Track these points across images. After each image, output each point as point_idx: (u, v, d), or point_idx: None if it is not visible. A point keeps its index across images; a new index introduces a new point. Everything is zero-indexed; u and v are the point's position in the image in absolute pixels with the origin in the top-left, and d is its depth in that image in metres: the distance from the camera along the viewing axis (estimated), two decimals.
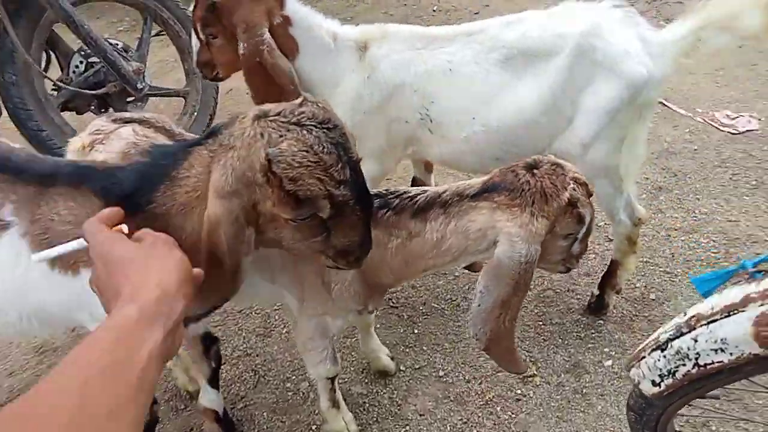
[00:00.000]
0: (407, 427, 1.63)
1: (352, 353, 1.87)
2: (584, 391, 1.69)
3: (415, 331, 1.92)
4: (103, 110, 2.65)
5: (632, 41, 1.48)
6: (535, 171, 1.09)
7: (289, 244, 1.00)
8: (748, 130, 2.70)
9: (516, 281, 1.06)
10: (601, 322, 1.89)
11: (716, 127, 2.75)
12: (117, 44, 2.64)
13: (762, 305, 0.72)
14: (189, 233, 0.96)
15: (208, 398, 1.59)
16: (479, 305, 1.11)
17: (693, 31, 1.49)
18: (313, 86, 1.61)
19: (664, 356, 0.84)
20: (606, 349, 1.80)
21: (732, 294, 0.77)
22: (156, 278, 0.67)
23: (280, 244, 1.01)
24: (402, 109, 1.61)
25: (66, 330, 1.56)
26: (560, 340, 1.84)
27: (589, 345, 1.82)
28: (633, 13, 1.53)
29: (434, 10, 4.44)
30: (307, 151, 0.87)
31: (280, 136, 0.88)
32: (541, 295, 2.00)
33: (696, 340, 0.79)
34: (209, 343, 1.52)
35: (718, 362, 0.78)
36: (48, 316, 1.17)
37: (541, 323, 1.91)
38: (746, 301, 0.74)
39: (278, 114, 0.91)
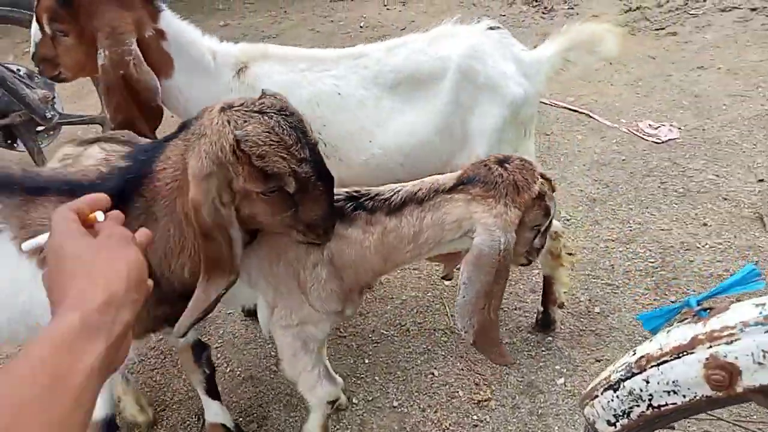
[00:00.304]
0: None
1: None
2: (540, 412, 1.66)
3: (366, 361, 1.85)
4: (9, 141, 2.42)
5: (508, 63, 1.54)
6: (507, 165, 1.17)
7: (264, 219, 1.10)
8: (670, 139, 2.83)
9: (497, 269, 1.14)
10: (550, 338, 1.88)
11: (641, 137, 2.86)
12: (19, 70, 2.42)
13: (710, 347, 0.71)
14: (176, 222, 1.08)
15: (213, 412, 1.58)
16: (464, 297, 1.17)
17: (561, 52, 1.60)
18: (191, 106, 1.50)
19: (617, 396, 0.81)
20: (557, 367, 1.79)
21: (680, 334, 0.75)
22: (103, 280, 0.61)
23: (257, 221, 1.12)
24: None
25: None
26: (512, 361, 1.82)
27: (541, 363, 1.81)
28: (507, 34, 1.61)
29: (361, 26, 4.43)
30: (269, 132, 1.01)
31: (245, 121, 1.01)
32: None
33: (648, 382, 0.77)
34: (200, 350, 1.52)
35: (672, 404, 0.76)
36: (35, 318, 1.15)
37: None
38: (694, 343, 0.73)
39: (241, 105, 1.04)
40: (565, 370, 1.78)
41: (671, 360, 0.74)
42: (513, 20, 4.29)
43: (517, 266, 1.38)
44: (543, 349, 1.85)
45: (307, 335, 1.31)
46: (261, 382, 1.80)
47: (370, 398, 1.73)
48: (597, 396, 0.86)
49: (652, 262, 2.11)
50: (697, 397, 0.73)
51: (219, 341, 1.95)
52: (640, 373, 0.78)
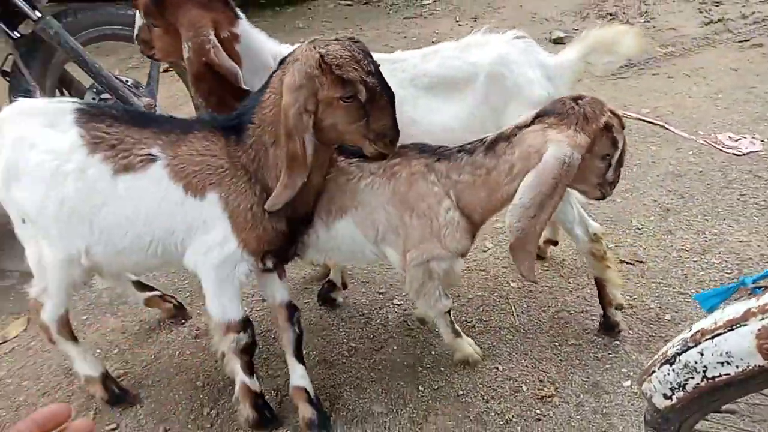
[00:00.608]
0: None
1: (371, 373, 1.87)
2: (604, 411, 1.68)
3: (432, 353, 1.93)
4: None
5: (533, 69, 1.70)
6: (579, 101, 1.35)
7: (343, 127, 1.36)
8: (751, 152, 2.75)
9: (556, 181, 1.29)
10: (617, 343, 1.89)
11: (719, 149, 2.80)
12: (127, 81, 2.71)
13: (762, 319, 0.75)
14: (275, 137, 1.37)
15: (298, 375, 1.71)
16: (520, 198, 1.33)
17: (583, 56, 1.72)
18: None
19: (673, 370, 0.86)
20: (624, 370, 1.80)
21: (733, 309, 0.79)
22: None
23: (337, 130, 1.37)
24: None
25: (175, 265, 1.64)
26: (577, 361, 1.84)
27: (607, 366, 1.82)
28: (532, 43, 1.76)
29: (433, 42, 4.56)
30: (344, 49, 1.30)
31: (326, 44, 1.32)
32: (556, 317, 2.01)
33: (702, 354, 0.81)
34: (292, 310, 1.69)
35: (725, 374, 0.79)
36: (175, 238, 1.45)
37: (557, 344, 1.91)
38: (747, 316, 0.77)
39: (322, 38, 1.35)
40: (632, 373, 1.78)
41: (725, 332, 0.79)
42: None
43: (592, 198, 1.51)
44: (609, 351, 1.86)
45: (434, 270, 1.56)
46: (333, 366, 1.92)
47: (436, 387, 1.81)
48: (654, 371, 0.90)
49: (728, 273, 2.07)
50: (750, 367, 0.77)
51: None
52: (695, 346, 0.83)
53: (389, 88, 1.36)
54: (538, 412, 1.70)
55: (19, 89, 2.34)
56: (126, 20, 2.59)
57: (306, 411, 1.67)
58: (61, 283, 1.61)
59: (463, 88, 1.70)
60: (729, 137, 2.88)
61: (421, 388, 1.81)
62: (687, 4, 4.60)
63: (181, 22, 1.59)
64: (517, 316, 2.03)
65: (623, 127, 1.36)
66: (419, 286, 1.60)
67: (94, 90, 2.61)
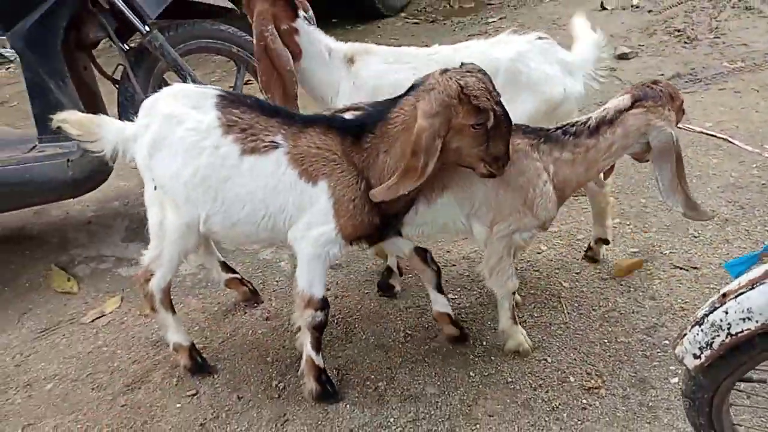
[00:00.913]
0: (477, 426, 1.74)
1: (425, 358, 2.00)
2: (650, 404, 1.74)
3: (483, 343, 2.04)
4: None
5: (552, 65, 1.92)
6: (659, 83, 1.65)
7: (466, 150, 1.56)
8: None
9: (677, 153, 1.60)
10: (667, 342, 1.94)
11: None
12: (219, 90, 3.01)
13: None
14: (392, 154, 1.59)
15: (441, 302, 1.98)
16: (662, 183, 1.65)
17: (597, 50, 1.97)
18: (314, 86, 2.12)
19: (702, 330, 0.96)
20: (672, 368, 1.85)
21: (756, 271, 0.89)
22: None
23: (459, 153, 1.57)
24: None
25: (279, 241, 1.92)
26: (626, 357, 1.91)
27: (655, 363, 1.87)
28: (552, 43, 1.98)
29: None
30: (479, 81, 1.50)
31: (461, 77, 1.51)
32: (606, 315, 2.08)
33: (727, 312, 0.91)
34: (423, 253, 1.93)
35: (746, 330, 0.89)
36: (285, 218, 1.69)
37: (606, 341, 1.98)
38: (766, 275, 0.86)
39: (453, 70, 1.54)
40: (680, 371, 1.82)
41: (747, 291, 0.88)
42: (652, 50, 4.29)
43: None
44: (658, 350, 1.92)
45: (514, 243, 1.80)
46: (390, 350, 2.07)
47: (486, 373, 1.92)
48: (686, 334, 1.00)
49: None
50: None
51: (357, 314, 2.26)
52: (721, 306, 0.93)
53: (509, 116, 1.57)
54: (584, 401, 1.78)
55: (126, 95, 2.67)
56: (218, 35, 2.89)
57: (450, 330, 2.00)
58: (176, 248, 1.84)
59: None
60: None
61: (471, 373, 1.93)
62: (762, 20, 4.51)
63: (251, 15, 2.00)
64: (568, 313, 2.11)
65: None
66: (496, 261, 1.81)
67: None
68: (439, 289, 1.98)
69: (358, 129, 1.64)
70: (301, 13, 2.05)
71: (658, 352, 1.91)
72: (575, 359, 1.93)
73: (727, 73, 3.77)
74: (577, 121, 1.72)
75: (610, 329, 2.02)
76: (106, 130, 1.80)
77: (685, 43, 4.31)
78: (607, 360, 1.91)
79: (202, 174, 1.67)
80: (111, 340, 2.30)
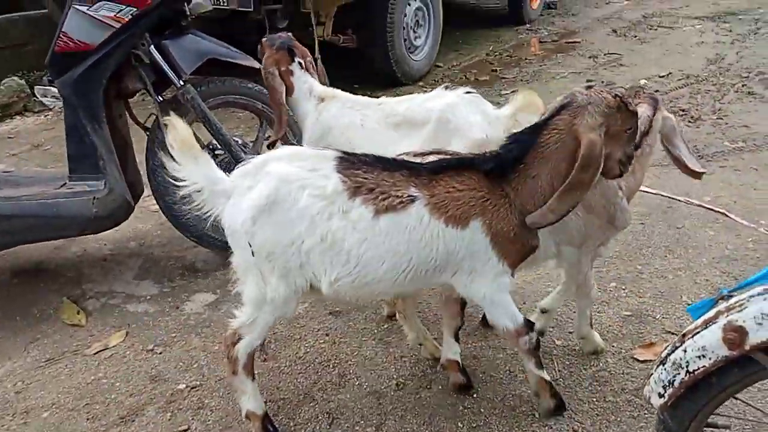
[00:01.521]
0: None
1: (416, 407, 2.03)
2: None
3: (474, 395, 2.07)
4: None
5: (475, 115, 2.24)
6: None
7: (614, 153, 1.66)
8: None
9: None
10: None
11: None
12: (238, 140, 3.20)
13: (727, 316, 0.92)
14: (544, 176, 1.65)
15: (454, 350, 2.08)
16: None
17: (513, 113, 2.24)
18: (297, 115, 2.60)
19: (665, 369, 1.02)
20: None
21: (710, 312, 0.97)
22: None
23: (609, 158, 1.65)
24: (334, 143, 2.36)
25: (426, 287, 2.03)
26: (613, 417, 1.93)
27: (642, 424, 1.89)
28: (478, 96, 2.32)
29: None
30: (623, 92, 1.66)
31: (609, 87, 1.71)
32: (596, 375, 2.11)
33: (685, 351, 0.98)
34: (463, 303, 2.02)
35: (702, 367, 0.95)
36: (427, 268, 1.68)
37: (595, 399, 2.00)
38: (717, 315, 0.94)
39: (595, 86, 1.72)
40: None
41: (701, 331, 0.96)
42: None
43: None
44: (646, 412, 1.93)
45: (600, 253, 2.06)
46: (382, 396, 2.10)
47: (474, 425, 1.94)
48: (652, 374, 1.06)
49: None
50: (719, 358, 0.93)
51: (352, 360, 2.30)
52: (680, 345, 0.99)
53: None
54: None
55: (155, 142, 2.87)
56: (245, 92, 3.10)
57: (457, 378, 2.08)
58: (276, 315, 1.78)
59: (419, 128, 2.28)
60: None
61: (460, 424, 1.96)
62: (763, 105, 4.69)
63: (262, 58, 2.58)
64: (559, 370, 2.14)
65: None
66: (584, 277, 2.00)
67: (210, 146, 3.11)
68: (456, 337, 2.07)
69: (503, 162, 1.67)
70: (297, 59, 2.55)
71: (645, 414, 1.92)
72: (564, 416, 1.94)
73: (728, 152, 3.90)
74: None
75: (599, 388, 2.05)
76: (197, 168, 1.68)
77: (690, 122, 4.48)
78: (594, 418, 1.92)
79: (331, 240, 1.61)
80: (111, 372, 2.37)
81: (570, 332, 2.34)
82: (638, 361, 2.16)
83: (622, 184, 1.89)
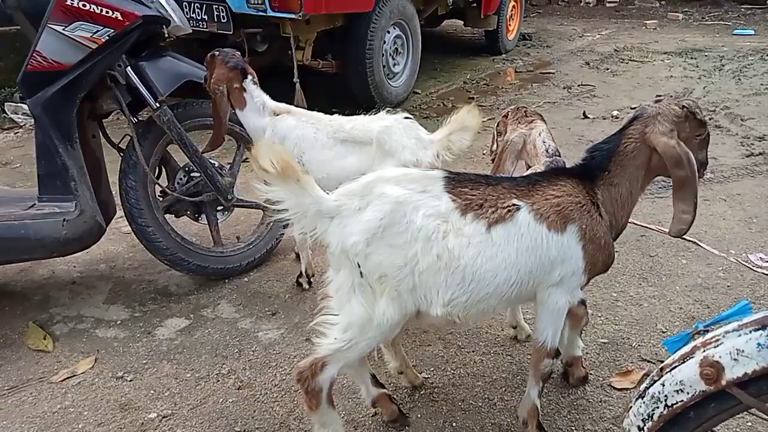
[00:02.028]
0: None
1: None
2: None
3: (453, 424, 2.04)
4: (197, 215, 3.11)
5: (409, 139, 2.48)
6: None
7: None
8: None
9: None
10: None
11: (749, 268, 2.91)
12: (215, 163, 3.17)
13: (704, 351, 0.93)
14: (626, 183, 1.78)
15: (581, 346, 2.19)
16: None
17: (446, 135, 2.45)
18: (250, 128, 2.73)
19: (644, 402, 1.02)
20: None
21: (687, 347, 0.98)
22: None
23: None
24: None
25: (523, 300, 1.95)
26: None
27: None
28: (414, 122, 2.56)
29: (483, 154, 4.95)
30: (692, 102, 1.78)
31: (676, 102, 1.78)
32: (575, 403, 2.11)
33: (664, 385, 0.98)
34: (584, 304, 2.07)
35: (680, 401, 0.96)
36: (529, 278, 1.70)
37: (573, 428, 2.00)
38: (694, 350, 0.95)
39: (664, 99, 1.82)
40: None
41: (679, 365, 0.96)
42: None
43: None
44: None
45: None
46: (359, 426, 2.06)
47: None
48: (631, 407, 1.06)
49: None
50: (697, 392, 0.93)
51: None
52: (659, 379, 1.00)
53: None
54: None
55: (129, 162, 2.82)
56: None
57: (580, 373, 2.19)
58: (378, 341, 1.72)
59: (362, 145, 2.54)
60: (760, 258, 2.99)
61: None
62: (730, 138, 4.86)
63: (210, 77, 2.69)
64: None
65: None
66: None
67: (186, 169, 3.07)
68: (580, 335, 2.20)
69: (591, 169, 1.80)
70: (249, 76, 2.69)
71: None
72: None
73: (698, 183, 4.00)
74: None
75: (578, 417, 2.05)
76: (301, 189, 1.59)
77: None
78: None
79: (447, 258, 1.60)
80: (79, 401, 2.27)
81: None
82: (615, 389, 2.17)
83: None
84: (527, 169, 2.12)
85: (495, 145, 2.38)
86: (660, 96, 1.90)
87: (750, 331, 0.89)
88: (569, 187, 1.73)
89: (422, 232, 1.59)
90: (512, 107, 2.38)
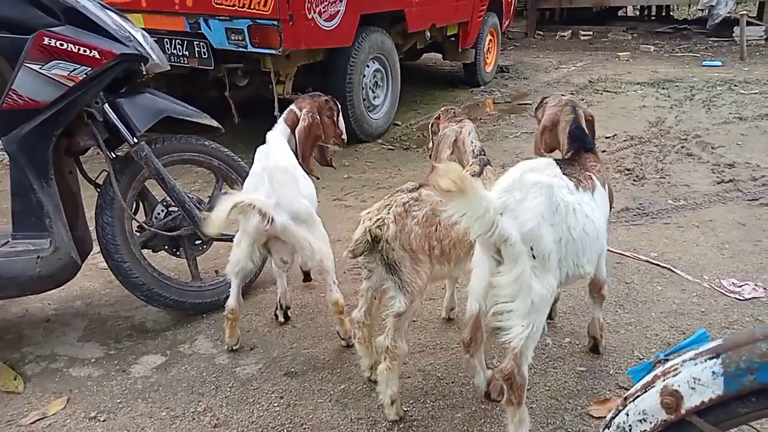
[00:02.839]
0: None
1: None
2: None
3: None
4: (174, 250, 3.09)
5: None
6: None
7: None
8: (754, 297, 2.89)
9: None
10: None
11: (723, 293, 2.96)
12: (192, 197, 3.18)
13: (664, 380, 0.95)
14: None
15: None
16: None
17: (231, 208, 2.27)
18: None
19: None
20: None
21: (648, 376, 1.00)
22: None
23: None
24: None
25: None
26: None
27: None
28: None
29: None
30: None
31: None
32: None
33: (627, 415, 1.00)
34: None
35: (643, 431, 0.97)
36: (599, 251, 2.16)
37: None
38: (655, 379, 0.97)
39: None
40: None
41: (641, 394, 0.98)
42: None
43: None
44: None
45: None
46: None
47: None
48: None
49: None
50: (659, 422, 0.95)
51: (308, 423, 2.23)
52: (623, 409, 1.01)
53: None
54: None
55: (106, 198, 2.80)
56: (201, 149, 3.10)
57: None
58: (545, 317, 1.90)
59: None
60: (733, 283, 3.04)
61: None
62: (701, 165, 4.99)
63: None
64: None
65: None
66: None
67: (164, 204, 3.06)
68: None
69: (587, 143, 2.35)
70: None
71: None
72: None
73: (671, 210, 4.10)
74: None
75: None
76: (477, 196, 1.64)
77: (634, 181, 4.71)
78: None
79: (583, 223, 1.92)
80: None
81: (527, 389, 2.34)
82: (594, 417, 2.17)
83: None
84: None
85: (431, 143, 2.81)
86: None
87: (705, 360, 0.92)
88: (592, 157, 2.26)
89: (569, 207, 1.87)
90: (443, 108, 2.78)
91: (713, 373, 0.90)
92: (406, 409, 2.26)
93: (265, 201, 2.37)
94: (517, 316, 1.79)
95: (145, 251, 3.00)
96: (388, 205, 2.07)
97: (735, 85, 7.93)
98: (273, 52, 4.79)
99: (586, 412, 2.21)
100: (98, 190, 2.89)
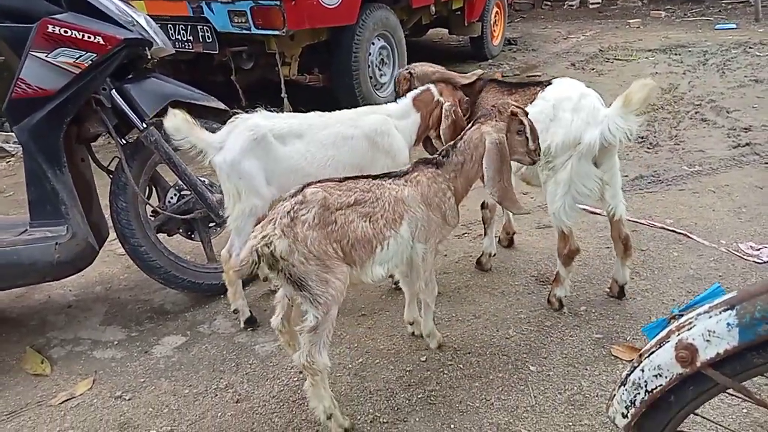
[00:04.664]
0: None
1: None
2: None
3: (452, 426, 2.05)
4: (189, 233, 3.13)
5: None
6: (495, 106, 2.20)
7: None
8: None
9: (500, 155, 2.09)
10: None
11: (740, 257, 2.93)
12: (204, 180, 3.20)
13: (678, 334, 0.95)
14: None
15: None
16: (488, 176, 2.09)
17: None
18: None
19: (626, 389, 1.04)
20: None
21: (663, 332, 1.00)
22: None
23: None
24: None
25: None
26: None
27: None
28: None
29: None
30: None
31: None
32: (572, 399, 2.11)
33: (643, 371, 1.00)
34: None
35: (659, 386, 0.97)
36: None
37: (571, 423, 2.00)
38: (669, 334, 0.97)
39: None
40: None
41: (656, 350, 0.98)
42: (619, 154, 4.59)
43: (527, 164, 2.29)
44: None
45: (439, 250, 2.42)
46: None
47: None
48: (615, 395, 1.08)
49: None
50: (674, 376, 0.95)
51: None
52: (639, 365, 1.01)
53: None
54: None
55: (119, 184, 2.84)
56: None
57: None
58: None
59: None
60: (751, 246, 3.01)
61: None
62: (716, 130, 4.90)
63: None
64: (534, 396, 2.14)
65: (526, 114, 2.18)
66: (430, 273, 2.24)
67: (176, 188, 3.09)
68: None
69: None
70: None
71: None
72: None
73: (686, 176, 4.04)
74: (442, 152, 2.21)
75: (575, 412, 2.05)
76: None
77: (648, 148, 4.65)
78: None
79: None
80: (78, 422, 2.27)
81: (544, 358, 2.36)
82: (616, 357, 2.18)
83: (450, 186, 2.15)
84: None
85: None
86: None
87: (720, 312, 0.91)
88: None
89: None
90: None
91: (728, 324, 0.89)
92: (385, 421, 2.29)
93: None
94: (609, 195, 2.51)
95: (160, 236, 3.04)
96: (272, 219, 1.82)
97: (750, 48, 7.74)
98: (277, 33, 4.76)
99: (609, 351, 2.28)
100: (111, 176, 2.92)
